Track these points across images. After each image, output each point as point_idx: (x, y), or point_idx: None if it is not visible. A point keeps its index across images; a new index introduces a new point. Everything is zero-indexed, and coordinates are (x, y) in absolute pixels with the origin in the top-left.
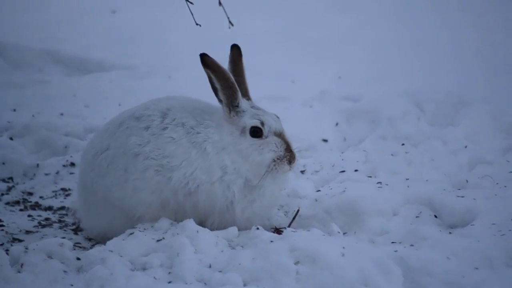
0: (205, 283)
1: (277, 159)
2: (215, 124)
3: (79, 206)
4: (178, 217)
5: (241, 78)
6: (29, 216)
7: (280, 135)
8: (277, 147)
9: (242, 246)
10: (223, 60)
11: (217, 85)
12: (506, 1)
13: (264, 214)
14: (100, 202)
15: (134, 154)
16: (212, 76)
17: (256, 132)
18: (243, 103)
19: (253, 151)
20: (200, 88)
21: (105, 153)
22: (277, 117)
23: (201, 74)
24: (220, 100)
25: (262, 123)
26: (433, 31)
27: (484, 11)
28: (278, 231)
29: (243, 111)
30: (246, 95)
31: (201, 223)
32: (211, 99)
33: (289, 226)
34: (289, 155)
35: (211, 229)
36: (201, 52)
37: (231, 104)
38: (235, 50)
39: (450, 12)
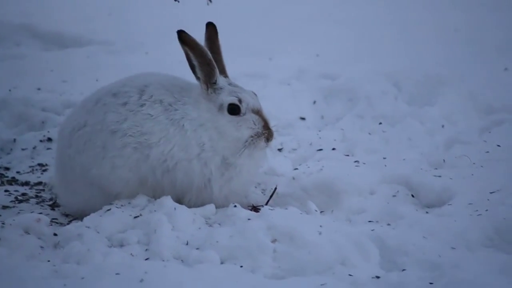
0: (182, 260)
1: (255, 135)
2: (193, 101)
3: (56, 183)
4: (156, 195)
5: (218, 56)
6: (5, 191)
7: (257, 112)
8: (254, 124)
9: (219, 224)
10: (200, 38)
11: (195, 62)
12: None
13: (242, 191)
14: (78, 179)
15: (112, 131)
16: (190, 53)
17: (233, 109)
18: (220, 80)
19: (230, 128)
20: (177, 65)
21: (83, 130)
22: (255, 94)
23: (179, 51)
24: (197, 78)
25: (240, 100)
26: (413, 11)
27: None
28: (255, 209)
29: (221, 88)
30: (223, 72)
31: (179, 201)
32: (188, 76)
33: (266, 204)
34: (266, 132)
35: (189, 207)
36: (179, 29)
37: (209, 81)
38: (211, 28)
39: None
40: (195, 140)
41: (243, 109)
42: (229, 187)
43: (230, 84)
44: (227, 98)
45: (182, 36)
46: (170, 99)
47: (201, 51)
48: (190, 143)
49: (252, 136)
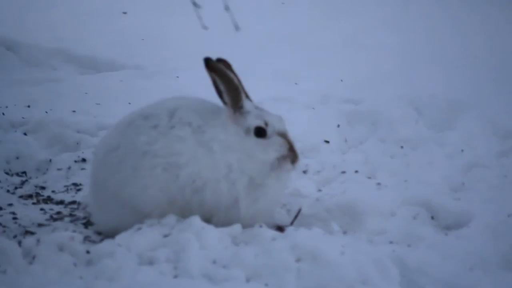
0: (209, 278)
1: (281, 158)
2: (221, 123)
3: (90, 202)
4: (185, 214)
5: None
6: (41, 209)
7: (283, 135)
8: (280, 146)
9: (245, 243)
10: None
11: (222, 88)
12: None
13: (268, 212)
14: (111, 198)
15: (143, 152)
16: (217, 79)
17: (260, 132)
18: (247, 104)
19: (257, 151)
20: (206, 88)
21: (116, 152)
22: (281, 118)
23: (206, 77)
24: (224, 102)
25: (266, 124)
26: (434, 37)
27: (489, 17)
28: (280, 229)
29: (248, 112)
30: (246, 96)
31: (207, 220)
32: (217, 99)
33: (291, 224)
34: (292, 155)
35: (216, 226)
36: (205, 56)
37: (236, 106)
38: (224, 62)
39: (451, 17)
40: (223, 161)
41: (269, 132)
42: (255, 207)
43: (256, 107)
44: (254, 122)
45: (209, 63)
46: (199, 122)
47: (227, 76)
48: (218, 164)
49: (278, 158)
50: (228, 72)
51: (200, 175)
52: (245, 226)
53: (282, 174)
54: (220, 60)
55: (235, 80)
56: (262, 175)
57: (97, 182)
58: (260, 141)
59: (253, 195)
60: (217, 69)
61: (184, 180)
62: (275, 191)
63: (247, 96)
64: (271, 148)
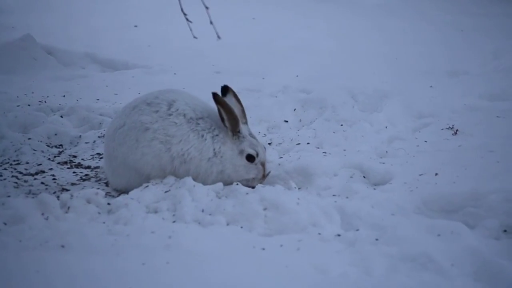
0: (199, 223)
1: (254, 179)
2: (215, 123)
3: (105, 168)
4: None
5: (241, 106)
6: (73, 172)
7: (263, 164)
8: (259, 172)
9: (226, 197)
10: (214, 58)
11: (225, 116)
12: (421, 24)
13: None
14: (120, 165)
15: (145, 128)
16: (221, 110)
17: (250, 158)
18: (243, 129)
19: (243, 169)
20: (197, 83)
21: (122, 128)
22: (265, 148)
23: (198, 73)
24: (225, 126)
25: (257, 154)
26: (367, 45)
27: (405, 29)
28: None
29: (243, 137)
30: (244, 118)
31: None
32: (204, 92)
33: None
34: (262, 179)
35: None
36: (213, 91)
37: (234, 131)
38: (228, 90)
39: (380, 28)
40: (212, 147)
41: (256, 160)
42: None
43: (250, 134)
44: (248, 149)
45: (216, 98)
46: (192, 114)
47: (229, 108)
48: (207, 148)
49: (253, 178)
50: (229, 105)
51: (189, 151)
52: (225, 184)
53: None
54: (226, 87)
55: (234, 112)
56: (233, 179)
57: (108, 153)
58: (248, 164)
59: (221, 179)
60: (222, 102)
61: (175, 152)
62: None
63: (244, 118)
64: (252, 172)
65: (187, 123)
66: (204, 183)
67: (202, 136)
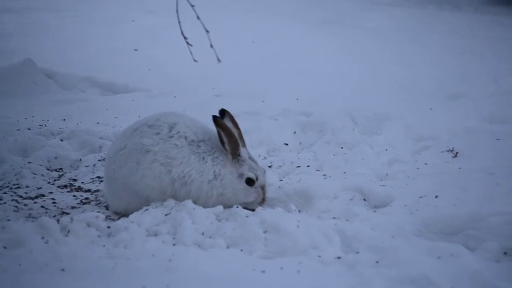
0: (199, 246)
1: (253, 202)
2: (216, 146)
3: (105, 191)
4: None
5: (239, 131)
6: (73, 196)
7: (262, 187)
8: (258, 196)
9: (226, 219)
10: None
11: (225, 139)
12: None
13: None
14: (120, 187)
15: (146, 150)
16: (221, 133)
17: (249, 182)
18: (242, 152)
19: (242, 193)
20: (195, 106)
21: (123, 150)
22: (265, 171)
23: (196, 96)
24: (225, 149)
25: (257, 178)
26: (366, 68)
27: (404, 52)
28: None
29: (243, 161)
30: (242, 141)
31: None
32: (204, 115)
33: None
34: (262, 203)
35: None
36: (213, 114)
37: (234, 154)
38: (226, 113)
39: (379, 51)
40: (212, 170)
41: (256, 184)
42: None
43: (249, 157)
44: (248, 173)
45: (217, 121)
46: (193, 137)
47: (230, 132)
48: (208, 171)
49: (253, 201)
50: (230, 129)
51: (189, 173)
52: (225, 207)
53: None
54: (224, 111)
55: (235, 135)
56: (232, 203)
57: (108, 175)
58: (247, 187)
59: (221, 200)
60: (222, 125)
61: (175, 174)
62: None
63: (243, 144)
64: (252, 195)
65: (188, 146)
66: (205, 205)
67: (203, 158)
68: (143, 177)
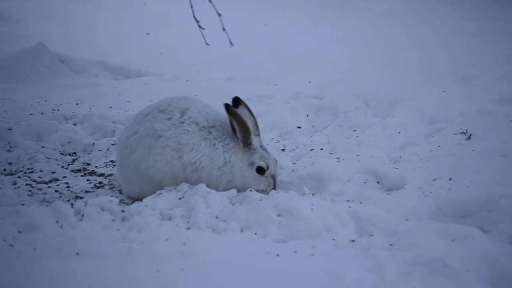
0: (213, 229)
1: (263, 191)
2: (227, 132)
3: (117, 175)
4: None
5: (253, 118)
6: (87, 180)
7: (273, 177)
8: (268, 185)
9: (239, 203)
10: (226, 65)
11: (236, 128)
12: (433, 25)
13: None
14: (132, 172)
15: (157, 136)
16: (233, 121)
17: (260, 171)
18: (254, 141)
19: (252, 181)
20: (207, 90)
21: (134, 136)
22: (276, 161)
23: (209, 80)
24: (237, 137)
25: (267, 167)
26: (377, 51)
27: (417, 33)
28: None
29: (254, 149)
30: (257, 129)
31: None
32: (216, 99)
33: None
34: (271, 190)
35: None
36: (225, 102)
37: (246, 142)
38: (239, 101)
39: (391, 34)
40: (222, 156)
41: (266, 173)
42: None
43: (261, 146)
44: (259, 161)
45: (228, 108)
46: (204, 123)
47: (242, 120)
48: (218, 157)
49: (263, 190)
50: (242, 117)
51: (200, 160)
52: (238, 191)
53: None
54: (238, 99)
55: (246, 124)
56: (242, 190)
57: (121, 161)
58: (258, 176)
59: (230, 187)
60: (234, 113)
61: (186, 160)
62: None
63: (258, 133)
64: (262, 184)
65: (199, 132)
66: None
67: (214, 145)
68: (155, 162)
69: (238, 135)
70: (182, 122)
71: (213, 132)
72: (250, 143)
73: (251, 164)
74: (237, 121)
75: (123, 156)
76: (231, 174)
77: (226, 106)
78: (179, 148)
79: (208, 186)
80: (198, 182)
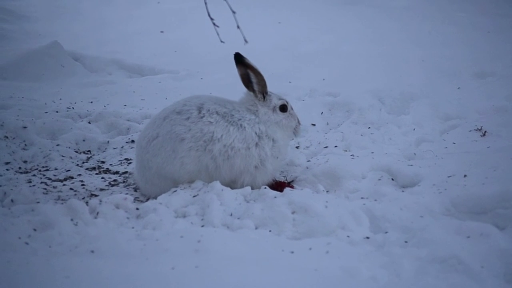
0: (227, 227)
1: (296, 127)
2: (245, 108)
3: (137, 178)
4: (213, 177)
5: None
6: (102, 178)
7: (292, 109)
8: (296, 117)
9: (254, 200)
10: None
11: (253, 80)
12: (444, 24)
13: (279, 168)
14: (154, 175)
15: (181, 139)
16: (250, 72)
17: (283, 108)
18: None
19: (285, 120)
20: (223, 88)
21: (156, 140)
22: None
23: (224, 77)
24: (253, 90)
25: (287, 102)
26: (391, 47)
27: (427, 33)
28: (281, 184)
29: (270, 95)
30: None
31: (232, 182)
32: (230, 97)
33: (289, 184)
34: (299, 124)
35: (242, 186)
36: (236, 52)
37: (264, 92)
38: (238, 57)
39: (404, 31)
40: (253, 133)
41: (288, 108)
42: (275, 163)
43: (272, 92)
44: (278, 102)
45: (242, 59)
46: (224, 110)
47: (257, 70)
48: (250, 135)
49: (296, 126)
50: (256, 67)
51: (232, 145)
52: (266, 182)
53: (293, 135)
54: (240, 55)
55: (261, 73)
56: (283, 137)
57: (142, 164)
58: (285, 114)
59: (275, 154)
60: (248, 64)
61: (217, 151)
62: (285, 149)
63: None
64: (292, 118)
65: (222, 119)
66: (259, 175)
67: (241, 125)
68: (183, 165)
69: (255, 86)
70: (202, 117)
71: (235, 114)
72: (267, 92)
73: (274, 108)
74: (254, 71)
75: (145, 160)
76: (271, 137)
77: (239, 56)
78: (204, 145)
79: (243, 172)
80: (229, 171)
